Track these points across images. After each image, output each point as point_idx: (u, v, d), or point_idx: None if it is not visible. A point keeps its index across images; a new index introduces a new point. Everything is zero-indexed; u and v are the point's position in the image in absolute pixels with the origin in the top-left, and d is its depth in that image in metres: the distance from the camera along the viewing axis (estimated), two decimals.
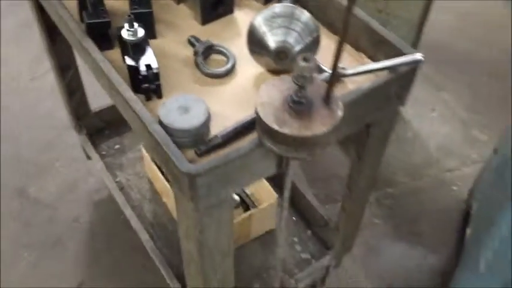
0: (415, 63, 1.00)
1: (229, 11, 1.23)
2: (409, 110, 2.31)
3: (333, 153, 2.12)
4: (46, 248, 1.84)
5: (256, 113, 0.85)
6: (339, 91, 1.01)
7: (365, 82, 1.01)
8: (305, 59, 0.79)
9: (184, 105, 0.97)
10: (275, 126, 0.82)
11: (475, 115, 2.30)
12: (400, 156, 2.15)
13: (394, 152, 2.16)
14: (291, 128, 0.82)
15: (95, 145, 1.87)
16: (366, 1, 1.67)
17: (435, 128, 2.26)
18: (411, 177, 2.08)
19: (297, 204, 1.71)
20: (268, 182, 1.62)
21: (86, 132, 1.88)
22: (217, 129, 0.99)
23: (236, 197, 1.69)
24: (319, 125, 0.82)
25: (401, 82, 1.03)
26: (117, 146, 1.89)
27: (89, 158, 1.90)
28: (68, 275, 1.78)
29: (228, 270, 1.16)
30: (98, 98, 1.88)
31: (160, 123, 0.95)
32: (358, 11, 1.12)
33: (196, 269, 1.12)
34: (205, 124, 0.96)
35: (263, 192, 1.63)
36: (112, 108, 1.90)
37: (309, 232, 1.66)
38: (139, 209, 1.70)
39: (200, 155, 0.95)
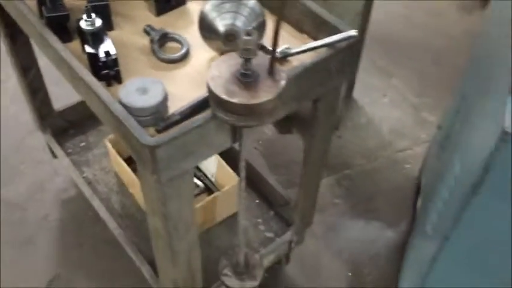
0: (350, 39, 1.10)
1: (182, 2, 1.32)
2: (362, 97, 2.43)
3: (293, 142, 2.22)
4: (18, 247, 1.87)
5: (208, 86, 0.93)
6: (285, 69, 1.11)
7: (308, 59, 1.11)
8: (248, 34, 0.88)
9: (143, 86, 1.05)
10: (225, 97, 0.91)
11: (424, 99, 2.44)
12: (355, 141, 2.27)
13: (350, 137, 2.28)
14: (240, 97, 0.91)
15: (61, 144, 1.92)
16: None
17: (387, 112, 2.39)
18: (367, 159, 2.20)
19: (259, 188, 1.80)
20: (230, 168, 1.70)
21: (51, 133, 1.92)
22: (175, 109, 1.07)
23: (200, 183, 1.77)
24: (265, 94, 0.92)
25: (340, 57, 1.13)
26: (82, 144, 1.94)
27: (55, 156, 1.95)
28: (40, 271, 1.82)
29: (193, 243, 1.23)
30: (59, 101, 1.93)
31: (121, 104, 1.03)
32: None
33: (163, 243, 1.19)
34: (163, 103, 1.04)
35: (225, 177, 1.71)
36: (75, 108, 1.95)
37: (272, 212, 1.76)
38: (107, 201, 1.76)
39: (160, 131, 1.02)
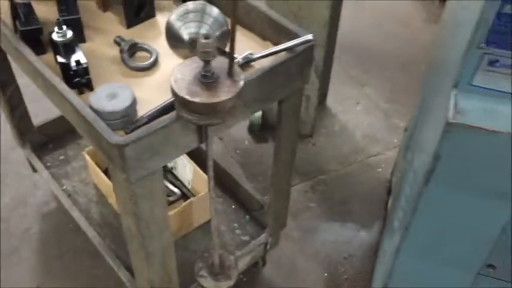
0: (307, 42, 1.17)
1: (151, 15, 1.39)
2: (335, 106, 2.52)
3: (269, 151, 2.28)
4: (2, 259, 1.90)
5: (172, 88, 1.00)
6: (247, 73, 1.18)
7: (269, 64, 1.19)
8: (206, 37, 0.95)
9: (112, 92, 1.11)
10: (187, 97, 0.98)
11: (394, 105, 2.53)
12: (330, 147, 2.34)
13: (324, 144, 2.35)
14: (201, 97, 0.98)
15: (40, 158, 1.96)
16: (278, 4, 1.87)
17: (360, 119, 2.47)
18: (341, 164, 2.27)
19: (236, 194, 1.86)
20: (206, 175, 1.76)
21: (31, 147, 1.96)
22: (144, 112, 1.13)
23: (177, 191, 1.82)
24: (225, 93, 0.98)
25: (299, 60, 1.20)
26: (61, 157, 1.99)
27: (34, 170, 1.99)
28: (23, 282, 1.85)
29: (167, 244, 1.28)
30: (38, 117, 1.98)
31: (92, 109, 1.09)
32: (262, 7, 1.31)
33: (137, 244, 1.24)
34: (132, 107, 1.10)
35: (201, 183, 1.76)
36: (54, 123, 2.00)
37: (247, 217, 1.81)
38: (86, 212, 1.80)
39: (129, 133, 1.08)
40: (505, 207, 1.06)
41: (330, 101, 2.52)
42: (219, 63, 1.02)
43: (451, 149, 1.02)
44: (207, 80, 0.99)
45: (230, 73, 1.01)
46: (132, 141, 0.99)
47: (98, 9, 1.43)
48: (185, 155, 1.79)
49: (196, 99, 0.97)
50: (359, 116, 2.49)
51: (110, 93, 1.11)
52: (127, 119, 1.09)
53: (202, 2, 1.24)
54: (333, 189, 2.18)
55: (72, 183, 1.91)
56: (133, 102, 1.10)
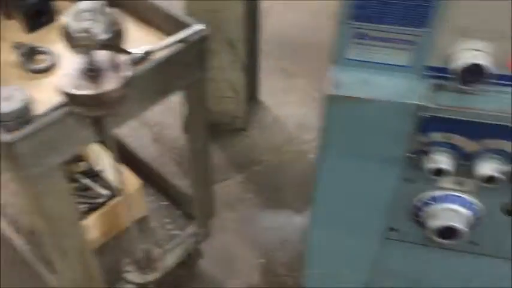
0: (199, 33, 1.22)
1: (51, 20, 1.41)
2: (268, 99, 2.57)
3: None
4: None
5: (58, 84, 1.03)
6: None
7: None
8: (83, 31, 0.98)
9: (7, 95, 1.12)
10: (73, 91, 1.01)
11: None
12: (263, 139, 2.39)
13: (258, 136, 2.41)
14: (87, 89, 1.01)
15: None
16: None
17: (292, 110, 2.53)
18: (275, 155, 2.33)
19: (166, 191, 1.89)
20: (131, 171, 1.78)
21: None
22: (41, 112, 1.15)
23: (106, 192, 1.83)
24: (109, 84, 1.02)
25: (194, 51, 1.24)
26: None
27: None
28: None
29: (82, 241, 1.30)
30: None
31: None
32: (161, 3, 1.35)
33: (49, 242, 1.26)
34: (26, 107, 1.12)
35: (128, 181, 1.78)
36: None
37: (179, 212, 1.84)
38: (15, 222, 1.80)
39: None
40: (391, 171, 1.12)
41: (263, 94, 2.58)
42: (106, 57, 1.05)
43: (333, 120, 1.08)
44: (92, 73, 1.02)
45: (115, 65, 1.04)
46: (21, 138, 1.01)
47: (4, 19, 1.44)
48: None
49: (82, 92, 1.00)
50: (291, 107, 2.55)
51: (5, 96, 1.12)
52: (21, 120, 1.10)
53: (97, 1, 1.26)
54: (267, 178, 2.23)
55: (2, 195, 1.90)
56: (28, 103, 1.12)
